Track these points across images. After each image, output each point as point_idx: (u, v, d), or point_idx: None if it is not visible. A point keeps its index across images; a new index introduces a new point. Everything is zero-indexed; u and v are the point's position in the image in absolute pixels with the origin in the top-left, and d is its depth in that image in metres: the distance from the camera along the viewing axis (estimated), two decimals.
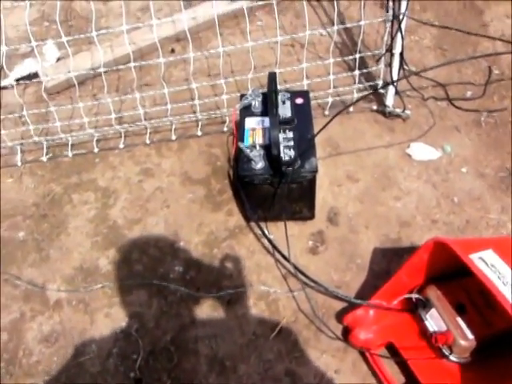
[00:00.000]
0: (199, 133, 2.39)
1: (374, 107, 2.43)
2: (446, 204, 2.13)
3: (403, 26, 2.09)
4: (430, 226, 2.07)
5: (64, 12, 3.01)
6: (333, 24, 2.21)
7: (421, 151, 2.28)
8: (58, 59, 2.74)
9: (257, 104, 2.02)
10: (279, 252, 1.93)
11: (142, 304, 1.94)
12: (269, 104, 1.85)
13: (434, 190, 2.17)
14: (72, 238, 2.14)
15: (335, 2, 2.17)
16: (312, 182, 1.89)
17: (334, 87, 2.43)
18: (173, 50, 2.75)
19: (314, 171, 1.84)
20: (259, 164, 1.84)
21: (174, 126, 2.41)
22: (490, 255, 1.59)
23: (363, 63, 2.57)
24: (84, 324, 1.91)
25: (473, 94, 2.48)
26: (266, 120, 1.93)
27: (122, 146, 2.38)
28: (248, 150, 1.83)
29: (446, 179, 2.21)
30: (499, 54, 2.56)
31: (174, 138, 2.38)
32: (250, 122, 1.97)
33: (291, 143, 1.87)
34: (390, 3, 2.08)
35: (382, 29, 2.21)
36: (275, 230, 2.05)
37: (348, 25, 2.64)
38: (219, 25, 2.77)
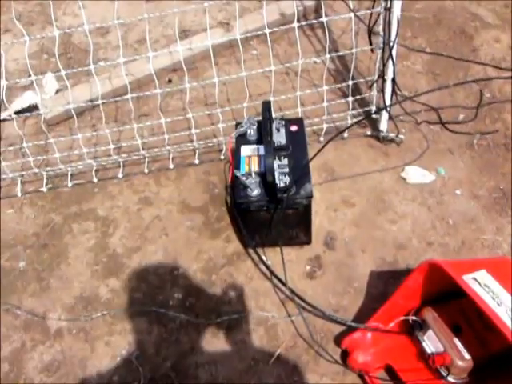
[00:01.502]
0: (197, 161, 2.42)
1: (369, 132, 2.47)
2: (441, 226, 2.16)
3: (394, 52, 2.13)
4: (426, 248, 2.09)
5: (63, 45, 3.06)
6: (327, 52, 2.26)
7: (415, 174, 2.31)
8: (57, 91, 2.79)
9: (252, 132, 2.05)
10: (276, 277, 1.95)
11: (142, 331, 1.96)
12: (263, 132, 1.89)
13: (428, 213, 2.20)
14: (72, 267, 2.17)
15: (326, 31, 2.22)
16: (308, 208, 1.92)
17: (329, 113, 2.47)
18: (170, 81, 2.79)
19: (310, 197, 1.87)
20: (255, 191, 1.87)
21: (171, 155, 2.44)
22: (483, 276, 1.61)
23: (357, 89, 2.61)
24: (85, 352, 1.93)
25: (465, 117, 2.52)
26: (262, 148, 1.97)
27: (120, 175, 2.42)
28: (244, 178, 1.87)
29: (441, 201, 2.23)
30: (490, 79, 2.60)
31: (171, 166, 2.42)
32: (246, 150, 2.01)
33: (286, 170, 1.90)
34: (381, 31, 2.13)
35: (375, 55, 2.25)
36: (273, 256, 2.07)
37: (340, 53, 2.69)
38: (215, 54, 2.82)
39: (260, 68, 2.55)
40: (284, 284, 1.93)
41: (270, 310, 1.97)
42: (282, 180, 1.86)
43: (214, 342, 1.91)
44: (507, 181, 2.28)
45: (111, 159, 2.44)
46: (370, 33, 2.21)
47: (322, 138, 2.44)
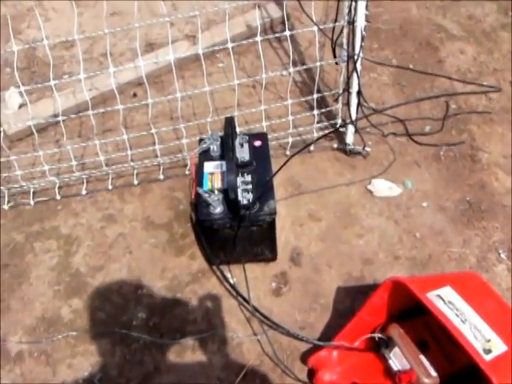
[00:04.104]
0: (161, 177, 2.38)
1: (335, 145, 2.45)
2: (408, 239, 2.15)
3: (359, 65, 2.13)
4: (393, 263, 2.09)
5: (27, 59, 3.01)
6: (293, 64, 2.24)
7: (382, 187, 2.30)
8: (21, 106, 2.73)
9: (215, 148, 2.02)
10: (240, 295, 1.93)
11: (105, 353, 1.92)
12: (225, 148, 1.87)
13: (395, 226, 2.19)
14: (34, 287, 2.11)
15: (290, 45, 2.21)
16: (272, 225, 1.90)
17: (295, 127, 2.46)
18: (135, 95, 2.75)
19: (273, 213, 1.85)
20: (218, 208, 1.84)
21: (136, 171, 2.41)
22: (448, 292, 1.61)
23: (324, 102, 2.60)
24: (46, 375, 1.89)
25: (431, 128, 2.53)
26: (225, 164, 1.94)
27: (84, 192, 2.37)
28: (207, 195, 1.84)
29: (408, 214, 2.23)
30: (458, 94, 2.62)
31: (136, 182, 2.38)
32: (209, 167, 1.98)
33: (249, 186, 1.87)
34: (345, 45, 2.12)
35: (341, 67, 2.24)
36: (239, 273, 2.05)
37: (304, 66, 2.67)
38: (181, 67, 2.81)
39: (227, 81, 2.54)
40: (248, 302, 1.91)
41: (235, 328, 1.95)
42: (245, 197, 1.84)
43: (179, 362, 1.88)
44: (473, 192, 2.29)
45: (74, 176, 2.39)
46: (334, 46, 2.21)
47: (288, 152, 2.42)
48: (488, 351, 1.44)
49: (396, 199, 2.28)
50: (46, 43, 2.07)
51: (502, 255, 2.09)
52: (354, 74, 2.15)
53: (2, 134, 2.33)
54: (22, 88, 2.14)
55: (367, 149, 2.39)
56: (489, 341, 1.47)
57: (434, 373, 1.62)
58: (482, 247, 2.13)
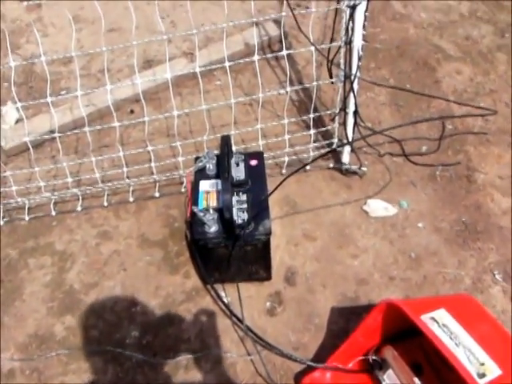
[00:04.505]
0: (157, 194, 2.38)
1: (331, 165, 2.45)
2: (403, 260, 2.15)
3: (355, 85, 2.13)
4: (388, 283, 2.08)
5: (25, 74, 3.02)
6: (290, 83, 2.24)
7: (377, 208, 2.30)
8: (18, 121, 2.74)
9: (211, 166, 2.02)
10: (234, 315, 1.92)
11: (98, 371, 1.91)
12: (221, 167, 1.87)
13: (391, 247, 2.19)
14: (27, 304, 2.10)
15: (287, 64, 2.22)
16: (266, 244, 1.90)
17: (292, 146, 2.46)
18: (132, 111, 2.76)
19: (268, 233, 1.84)
20: (213, 228, 1.84)
21: (131, 188, 2.40)
22: (442, 315, 1.60)
23: (320, 121, 2.61)
24: None
25: (428, 148, 2.53)
26: (220, 183, 1.94)
27: (79, 208, 2.36)
28: (202, 214, 1.83)
29: (403, 235, 2.23)
30: (455, 117, 2.63)
31: (131, 199, 2.38)
32: (204, 185, 1.97)
33: (244, 206, 1.87)
34: (342, 65, 2.13)
35: (339, 87, 2.25)
36: (233, 292, 2.04)
37: (302, 85, 2.69)
38: (179, 84, 2.82)
39: (224, 98, 2.55)
40: (241, 322, 1.90)
41: (229, 347, 1.93)
42: (240, 216, 1.84)
43: (172, 381, 1.87)
44: (469, 213, 2.29)
45: (70, 192, 2.38)
46: (330, 66, 2.21)
47: (284, 171, 2.42)
48: (482, 375, 1.43)
49: (391, 219, 2.28)
50: (43, 59, 2.07)
51: (497, 277, 2.09)
52: (351, 94, 2.15)
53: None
54: (19, 104, 2.14)
55: (363, 168, 2.39)
56: (483, 364, 1.47)
57: None
58: (478, 268, 2.12)
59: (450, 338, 1.51)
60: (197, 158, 2.08)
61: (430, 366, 1.68)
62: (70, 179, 2.35)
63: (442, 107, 2.71)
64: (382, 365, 1.71)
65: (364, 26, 2.00)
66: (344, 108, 2.25)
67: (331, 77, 2.23)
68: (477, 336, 1.54)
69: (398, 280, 2.09)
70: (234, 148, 2.19)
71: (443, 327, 1.54)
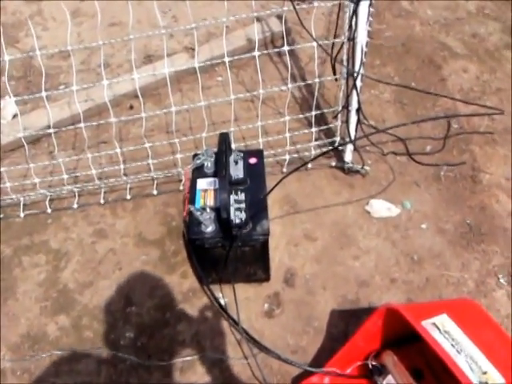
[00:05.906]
0: (155, 192, 2.34)
1: (333, 163, 2.40)
2: (405, 262, 2.10)
3: (359, 83, 2.08)
4: (389, 286, 2.03)
5: (23, 68, 2.98)
6: (293, 79, 2.20)
7: (380, 208, 2.25)
8: (15, 116, 2.69)
9: (209, 164, 1.97)
10: (230, 318, 1.88)
11: (91, 373, 1.87)
12: (218, 165, 1.82)
13: (393, 248, 2.14)
14: (20, 303, 2.06)
15: (289, 60, 2.17)
16: (264, 245, 1.85)
17: (294, 143, 2.41)
18: (131, 107, 2.71)
19: (266, 234, 1.79)
20: (210, 227, 1.79)
21: (129, 185, 2.36)
22: (444, 321, 1.55)
23: (323, 119, 2.55)
24: None
25: (432, 148, 2.48)
26: (218, 181, 1.89)
27: (75, 205, 2.32)
28: (198, 213, 1.79)
29: (406, 236, 2.18)
30: (460, 116, 2.57)
31: (129, 197, 2.33)
32: (202, 183, 1.93)
33: (242, 205, 1.82)
34: (344, 62, 2.08)
35: (342, 84, 2.20)
36: (230, 293, 1.98)
37: (305, 82, 2.63)
38: (179, 80, 2.77)
39: (225, 94, 2.50)
40: (237, 324, 1.86)
41: (225, 350, 1.89)
42: (237, 216, 1.79)
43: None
44: (473, 215, 2.23)
45: (66, 189, 2.34)
46: (334, 63, 2.16)
47: (285, 169, 2.37)
48: None
49: (394, 220, 2.23)
50: (38, 54, 2.04)
51: (502, 280, 2.04)
52: (354, 92, 2.10)
53: None
54: (13, 98, 2.11)
55: (366, 167, 2.34)
56: (485, 373, 1.42)
57: None
58: (481, 271, 2.07)
59: (452, 345, 1.46)
60: (195, 156, 2.03)
61: (430, 372, 1.63)
62: (66, 176, 2.31)
63: (447, 106, 2.65)
64: (382, 370, 1.67)
65: (369, 23, 1.95)
66: (347, 106, 2.20)
67: (335, 74, 2.18)
68: (480, 343, 1.49)
69: (400, 282, 2.04)
70: (233, 145, 2.14)
71: (445, 333, 1.50)
